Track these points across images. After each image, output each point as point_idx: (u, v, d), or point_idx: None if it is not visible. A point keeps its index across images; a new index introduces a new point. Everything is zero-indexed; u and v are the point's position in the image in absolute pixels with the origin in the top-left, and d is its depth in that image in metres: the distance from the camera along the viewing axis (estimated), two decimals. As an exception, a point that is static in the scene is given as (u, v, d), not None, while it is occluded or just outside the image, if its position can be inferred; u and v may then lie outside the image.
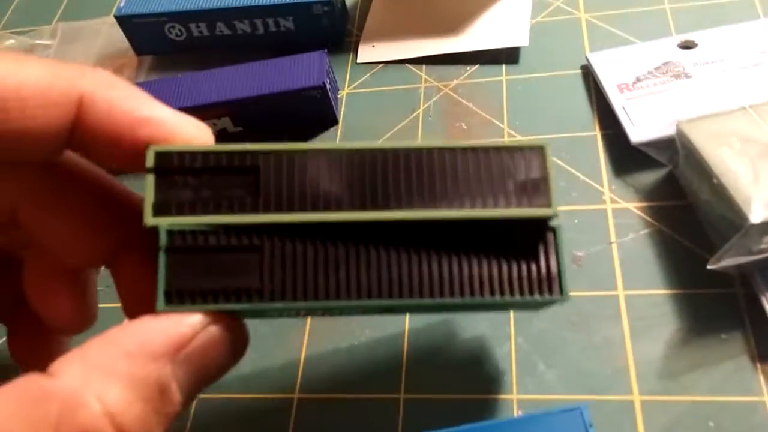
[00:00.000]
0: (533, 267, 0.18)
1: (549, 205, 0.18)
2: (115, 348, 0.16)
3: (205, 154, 0.18)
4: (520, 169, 0.18)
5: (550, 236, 0.19)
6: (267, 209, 0.17)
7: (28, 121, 0.17)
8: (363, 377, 0.27)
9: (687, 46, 0.34)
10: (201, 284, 0.17)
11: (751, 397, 0.23)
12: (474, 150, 0.18)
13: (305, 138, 0.36)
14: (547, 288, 0.18)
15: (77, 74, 0.18)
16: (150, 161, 0.17)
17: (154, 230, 0.17)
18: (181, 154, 0.17)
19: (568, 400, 0.24)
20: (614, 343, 0.25)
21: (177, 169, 0.17)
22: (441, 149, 0.18)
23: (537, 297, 0.18)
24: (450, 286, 0.18)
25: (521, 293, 0.18)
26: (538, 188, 0.18)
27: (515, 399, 0.25)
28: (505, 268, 0.18)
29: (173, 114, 0.18)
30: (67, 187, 0.20)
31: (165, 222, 0.17)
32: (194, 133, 0.18)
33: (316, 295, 0.17)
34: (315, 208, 0.18)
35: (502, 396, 0.25)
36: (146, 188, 0.17)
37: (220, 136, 0.37)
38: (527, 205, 0.18)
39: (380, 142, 0.18)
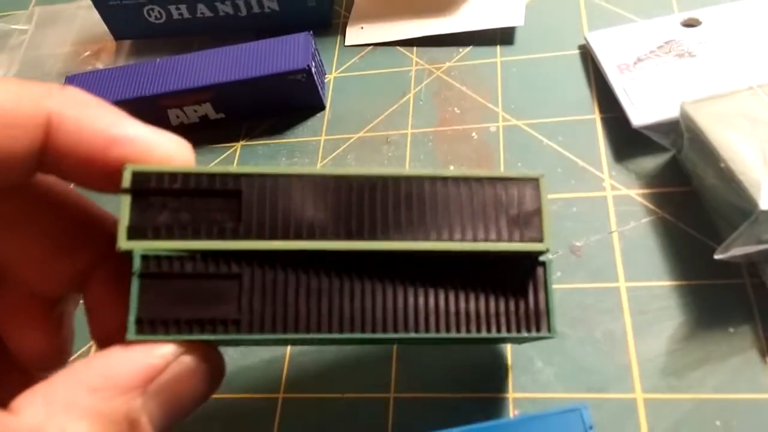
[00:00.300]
0: (521, 303, 0.18)
1: (541, 239, 0.18)
2: (79, 382, 0.15)
3: (186, 176, 0.17)
4: (513, 201, 0.18)
5: (539, 271, 0.18)
6: (248, 235, 0.17)
7: None
8: (351, 376, 0.25)
9: (690, 24, 0.32)
10: (176, 313, 0.16)
11: (761, 394, 0.22)
12: (466, 180, 0.18)
13: (290, 125, 0.34)
14: (534, 324, 0.18)
15: (44, 93, 0.16)
16: (126, 182, 0.16)
17: (128, 254, 0.16)
18: (160, 175, 0.16)
19: (567, 398, 0.23)
20: (615, 338, 0.24)
21: (154, 191, 0.16)
22: (432, 178, 0.18)
23: (524, 333, 0.18)
24: (435, 320, 0.17)
25: (508, 329, 0.18)
26: (530, 222, 0.18)
27: (511, 398, 0.23)
28: (492, 303, 0.18)
29: (149, 131, 0.17)
30: (36, 207, 0.18)
31: (140, 246, 0.16)
32: (172, 150, 0.17)
33: (296, 328, 0.17)
34: (298, 236, 0.17)
35: (498, 395, 0.24)
36: (121, 210, 0.16)
37: (202, 123, 0.35)
38: (519, 240, 0.18)
39: (368, 168, 0.18)
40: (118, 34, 0.40)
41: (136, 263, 0.16)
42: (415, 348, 0.25)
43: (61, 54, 0.41)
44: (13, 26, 0.44)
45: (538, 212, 0.18)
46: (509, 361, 0.24)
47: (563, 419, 0.20)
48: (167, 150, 0.17)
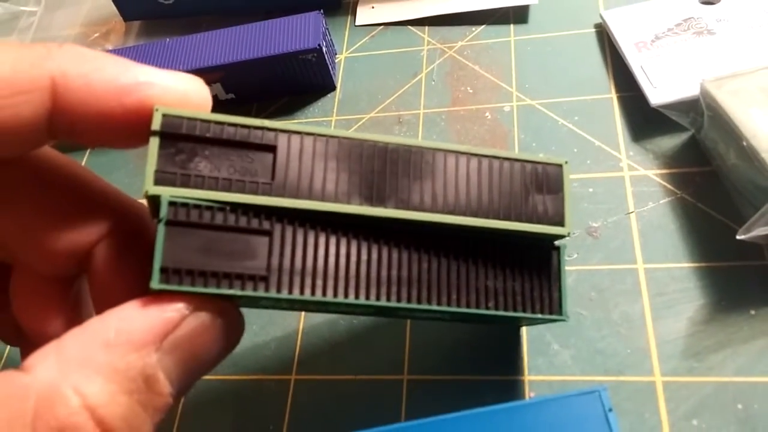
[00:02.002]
0: (536, 284, 0.19)
1: (563, 224, 0.18)
2: (93, 338, 0.14)
3: (219, 124, 0.16)
4: (539, 184, 0.18)
5: (554, 255, 0.19)
6: (280, 193, 0.16)
7: None
8: (364, 357, 0.25)
9: (709, 1, 0.31)
10: (202, 264, 0.15)
11: (783, 377, 0.22)
12: (497, 158, 0.18)
13: (301, 105, 0.34)
14: (548, 306, 0.19)
15: (43, 54, 0.16)
16: (156, 124, 0.15)
17: (155, 200, 0.15)
18: (192, 121, 0.16)
19: (584, 381, 0.23)
20: (634, 320, 0.24)
21: (185, 137, 0.16)
22: (465, 153, 0.18)
23: (538, 314, 0.18)
24: (457, 294, 0.18)
25: (523, 308, 0.18)
26: (553, 206, 0.18)
27: (527, 380, 0.23)
28: (508, 282, 0.18)
29: (161, 73, 0.16)
30: (35, 182, 0.18)
31: (168, 192, 0.15)
32: (190, 90, 0.16)
33: (324, 291, 0.16)
34: (329, 199, 0.16)
35: (513, 377, 0.23)
36: (149, 153, 0.15)
37: (212, 103, 0.35)
38: (541, 222, 0.18)
39: (403, 137, 0.18)
40: (127, 15, 0.40)
41: (164, 209, 0.15)
42: (427, 330, 0.25)
43: (70, 35, 0.41)
44: (22, 8, 0.44)
45: (561, 197, 0.18)
46: (525, 344, 0.24)
47: (581, 401, 0.19)
48: (184, 91, 0.16)
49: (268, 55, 0.32)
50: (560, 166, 0.19)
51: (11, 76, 0.15)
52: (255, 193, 0.16)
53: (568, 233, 0.18)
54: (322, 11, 0.33)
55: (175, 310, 0.15)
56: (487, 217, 0.18)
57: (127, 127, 0.16)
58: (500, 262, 0.18)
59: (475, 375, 0.23)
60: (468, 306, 0.18)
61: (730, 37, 0.29)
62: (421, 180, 0.17)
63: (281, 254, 0.16)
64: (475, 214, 0.18)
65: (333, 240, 0.17)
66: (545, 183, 0.18)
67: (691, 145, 0.27)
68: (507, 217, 0.18)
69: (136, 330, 0.15)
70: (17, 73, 0.15)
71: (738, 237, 0.22)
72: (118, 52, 0.35)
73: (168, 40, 0.34)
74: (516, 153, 0.19)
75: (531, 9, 0.35)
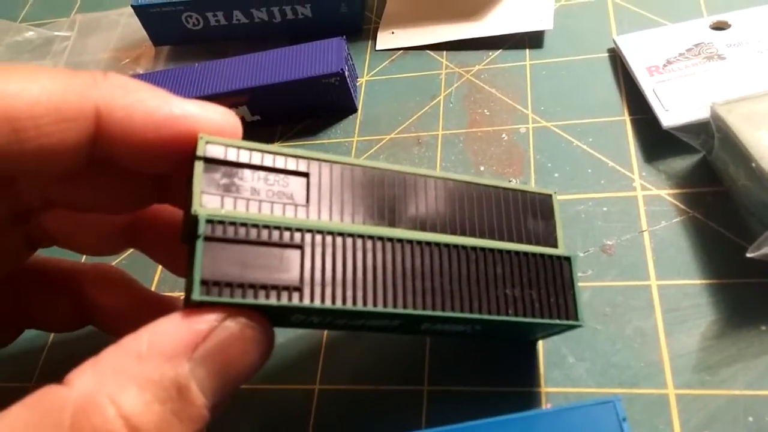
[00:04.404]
0: (552, 292, 0.20)
1: (556, 246, 0.21)
2: (127, 352, 0.15)
3: (258, 152, 0.18)
4: (533, 211, 0.21)
5: (566, 266, 0.21)
6: (315, 213, 0.18)
7: (43, 139, 0.16)
8: (385, 368, 0.26)
9: (720, 27, 0.32)
10: (240, 276, 0.16)
11: (794, 391, 0.22)
12: (497, 188, 0.21)
13: (323, 127, 0.35)
14: (564, 312, 0.20)
15: (89, 84, 0.17)
16: (201, 150, 0.17)
17: (195, 218, 0.17)
18: (232, 148, 0.17)
19: (599, 393, 0.23)
20: (647, 334, 0.24)
21: (226, 162, 0.17)
22: (470, 183, 0.21)
23: (555, 320, 0.20)
24: (479, 302, 0.19)
25: (542, 314, 0.20)
26: (547, 230, 0.21)
27: (543, 392, 0.24)
28: (526, 291, 0.20)
29: (195, 106, 0.18)
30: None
31: (206, 212, 0.17)
32: (221, 122, 0.18)
33: (354, 301, 0.17)
34: (356, 219, 0.19)
35: (530, 389, 0.24)
36: (194, 176, 0.17)
37: (238, 125, 0.36)
38: (539, 243, 0.21)
39: (415, 167, 0.20)
40: (157, 40, 0.42)
41: (201, 226, 0.16)
42: (447, 344, 0.26)
43: (102, 60, 0.43)
44: (56, 33, 0.46)
45: (553, 223, 0.22)
46: (541, 357, 0.25)
47: (596, 411, 0.20)
48: (216, 123, 0.18)
49: (293, 79, 0.34)
50: (550, 196, 0.22)
51: (59, 104, 0.16)
52: (292, 213, 0.18)
53: (563, 254, 0.21)
54: (344, 37, 0.35)
55: (205, 321, 0.16)
56: (493, 238, 0.20)
57: (160, 156, 0.17)
58: (518, 273, 0.20)
59: (493, 387, 0.24)
60: (490, 312, 0.19)
61: (740, 61, 0.30)
62: (426, 203, 0.20)
63: (312, 266, 0.17)
64: (482, 236, 0.20)
65: (360, 253, 0.18)
66: (539, 210, 0.22)
67: (703, 166, 0.28)
68: (510, 239, 0.21)
69: (168, 341, 0.15)
70: (65, 102, 0.16)
71: (748, 255, 0.23)
72: (149, 76, 0.37)
73: (197, 64, 0.36)
74: (513, 184, 0.22)
75: (546, 34, 0.36)
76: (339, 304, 0.17)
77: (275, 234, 0.17)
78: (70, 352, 0.27)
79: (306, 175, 0.18)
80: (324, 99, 0.35)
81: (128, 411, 0.14)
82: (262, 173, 0.18)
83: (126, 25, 0.45)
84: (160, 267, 0.31)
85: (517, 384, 0.24)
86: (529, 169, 0.30)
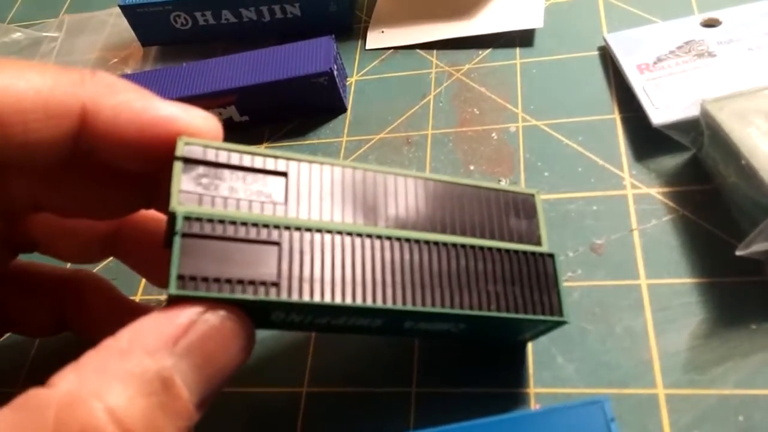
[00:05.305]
0: (536, 289, 0.20)
1: (540, 244, 0.21)
2: (108, 350, 0.15)
3: (236, 152, 0.18)
4: (516, 210, 0.22)
5: (549, 262, 0.21)
6: (293, 211, 0.18)
7: (30, 134, 0.17)
8: (373, 370, 0.26)
9: (710, 24, 0.32)
10: (216, 272, 0.16)
11: (784, 390, 0.22)
12: (480, 188, 0.21)
13: (312, 127, 0.35)
14: (548, 309, 0.20)
15: (77, 81, 0.17)
16: (180, 150, 0.17)
17: (173, 215, 0.17)
18: (210, 149, 0.18)
19: (588, 393, 0.23)
20: (637, 334, 0.24)
21: (205, 162, 0.17)
22: (452, 183, 0.21)
23: (540, 316, 0.20)
24: (460, 297, 0.19)
25: (525, 311, 0.20)
26: (530, 229, 0.22)
27: (532, 393, 0.24)
28: (509, 287, 0.20)
29: (179, 110, 0.18)
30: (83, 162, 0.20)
31: (189, 209, 0.17)
32: (202, 125, 0.18)
33: (333, 296, 0.17)
34: (335, 217, 0.18)
35: (519, 390, 0.24)
36: (173, 176, 0.17)
37: (226, 125, 0.36)
38: (522, 241, 0.21)
39: (393, 168, 0.20)
40: (145, 40, 0.41)
41: (179, 223, 0.16)
42: (435, 345, 0.25)
43: (90, 60, 0.43)
44: (44, 34, 0.45)
45: (536, 221, 0.22)
46: (530, 357, 0.25)
47: (584, 411, 0.20)
48: (197, 125, 0.18)
49: (281, 78, 0.33)
50: (532, 195, 0.22)
51: (46, 101, 0.17)
52: (270, 212, 0.18)
53: (547, 251, 0.21)
54: (333, 36, 0.34)
55: (185, 315, 0.16)
56: (474, 236, 0.20)
57: (143, 155, 0.18)
58: (500, 270, 0.20)
59: (482, 387, 0.24)
60: (471, 308, 0.19)
61: (730, 59, 0.30)
62: (407, 203, 0.20)
63: (290, 262, 0.17)
64: (464, 234, 0.20)
65: (339, 249, 0.18)
66: (522, 209, 0.22)
67: (693, 164, 0.28)
68: (492, 237, 0.21)
69: (149, 336, 0.15)
70: (53, 98, 0.17)
71: (737, 253, 0.23)
72: (137, 76, 0.36)
73: (185, 64, 0.35)
74: (494, 184, 0.22)
75: (536, 33, 0.36)
76: (317, 299, 0.17)
77: (253, 231, 0.17)
78: (56, 357, 0.26)
79: (284, 174, 0.18)
80: (313, 98, 0.34)
81: (113, 404, 0.14)
82: (240, 173, 0.18)
83: (114, 25, 0.44)
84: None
85: (506, 385, 0.24)
86: (518, 168, 0.30)
